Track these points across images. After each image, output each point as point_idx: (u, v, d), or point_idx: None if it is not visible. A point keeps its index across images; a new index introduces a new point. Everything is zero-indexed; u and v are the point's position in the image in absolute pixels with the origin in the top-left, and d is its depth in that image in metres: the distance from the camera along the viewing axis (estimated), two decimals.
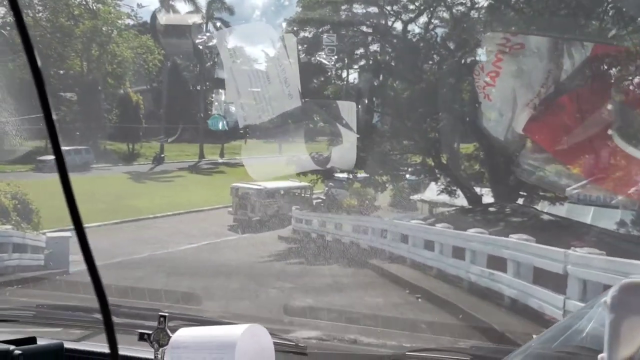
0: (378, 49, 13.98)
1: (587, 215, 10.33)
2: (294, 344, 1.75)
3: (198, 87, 24.95)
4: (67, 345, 1.51)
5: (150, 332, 1.42)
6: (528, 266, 7.39)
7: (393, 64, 13.96)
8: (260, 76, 2.94)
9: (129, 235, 13.14)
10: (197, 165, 21.68)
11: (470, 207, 13.05)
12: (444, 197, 13.96)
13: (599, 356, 0.89)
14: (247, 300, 6.60)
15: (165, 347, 1.40)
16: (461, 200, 13.48)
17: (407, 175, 14.61)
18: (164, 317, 1.41)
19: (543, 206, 12.02)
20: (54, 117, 0.49)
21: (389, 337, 2.14)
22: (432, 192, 14.36)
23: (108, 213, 14.33)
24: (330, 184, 16.16)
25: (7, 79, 23.20)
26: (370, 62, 14.21)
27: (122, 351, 1.52)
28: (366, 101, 14.47)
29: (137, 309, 1.98)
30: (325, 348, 1.90)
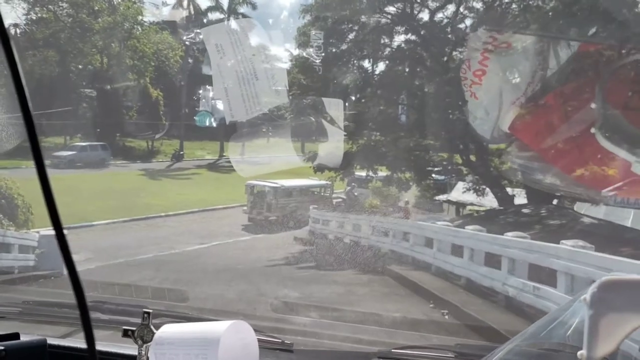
0: (403, 39, 13.93)
1: (627, 218, 9.64)
2: (280, 341, 1.80)
3: None
4: (51, 341, 1.57)
5: (135, 328, 1.46)
6: (586, 280, 6.03)
7: (418, 53, 13.85)
8: (248, 72, 3.01)
9: (137, 234, 13.21)
10: (216, 163, 22.01)
11: (502, 208, 12.71)
12: (472, 197, 13.60)
13: (578, 353, 0.92)
14: (243, 302, 6.50)
15: (149, 344, 1.44)
16: (490, 201, 13.16)
17: (433, 174, 14.39)
18: (148, 313, 1.46)
19: (579, 207, 11.35)
20: (32, 113, 0.53)
21: (376, 335, 2.20)
22: (459, 192, 14.03)
23: (118, 210, 14.62)
24: (353, 183, 16.12)
25: (25, 75, 24.02)
26: (395, 51, 14.07)
27: (106, 347, 1.58)
28: (389, 93, 14.44)
29: (123, 306, 2.06)
30: (311, 345, 1.95)
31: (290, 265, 10.08)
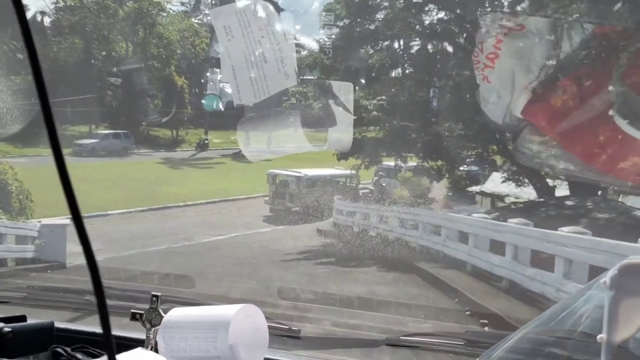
0: (435, 17, 13.56)
1: None
2: (287, 327, 1.84)
3: None
4: (58, 324, 1.63)
5: (143, 312, 1.50)
6: None
7: (452, 32, 13.50)
8: (257, 55, 3.05)
9: (152, 225, 13.31)
10: (242, 153, 22.20)
11: (542, 200, 12.41)
12: (508, 189, 13.24)
13: (598, 337, 0.95)
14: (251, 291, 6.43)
15: (157, 327, 1.48)
16: (528, 192, 12.84)
17: (466, 162, 14.11)
18: (157, 296, 1.50)
19: (626, 200, 10.89)
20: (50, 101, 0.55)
21: (384, 322, 2.23)
22: (494, 182, 13.70)
23: (135, 200, 14.91)
24: (380, 172, 15.98)
25: (51, 62, 24.91)
26: (426, 30, 13.63)
27: (114, 332, 1.62)
28: (419, 75, 14.07)
29: (130, 291, 2.12)
30: (319, 332, 1.99)
31: (309, 260, 9.84)
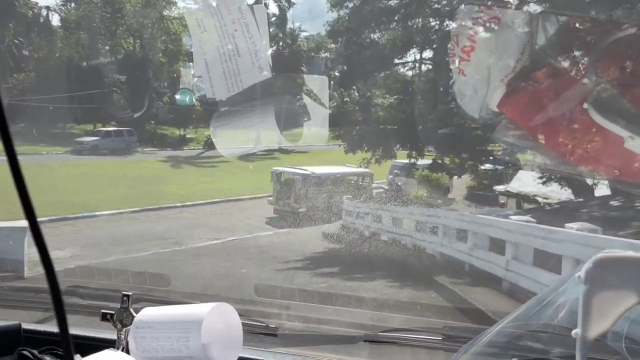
0: None
1: None
2: (264, 325, 1.90)
3: None
4: (26, 326, 1.68)
5: (114, 312, 1.54)
6: None
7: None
8: (230, 49, 3.14)
9: (143, 227, 13.07)
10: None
11: (581, 200, 12.11)
12: (537, 188, 12.91)
13: (573, 332, 1.00)
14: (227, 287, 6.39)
15: (128, 327, 1.52)
16: (558, 192, 12.62)
17: (487, 163, 13.75)
18: (127, 296, 1.54)
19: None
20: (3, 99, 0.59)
21: (363, 318, 2.29)
22: (521, 181, 13.44)
23: (130, 200, 14.86)
24: (396, 170, 15.82)
25: (56, 58, 25.36)
26: (445, 6, 12.76)
27: (85, 332, 1.69)
28: (437, 57, 13.12)
29: (103, 290, 2.19)
30: (297, 329, 2.05)
31: (307, 271, 9.19)
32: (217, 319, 1.40)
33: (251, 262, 9.50)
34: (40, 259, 0.68)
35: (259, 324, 1.92)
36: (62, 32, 27.68)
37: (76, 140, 23.49)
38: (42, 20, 29.40)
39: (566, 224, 7.11)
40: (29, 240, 7.52)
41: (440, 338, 1.91)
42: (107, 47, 26.53)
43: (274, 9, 28.88)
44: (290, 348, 1.81)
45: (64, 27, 28.10)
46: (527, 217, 9.18)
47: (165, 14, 25.59)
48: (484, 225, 9.07)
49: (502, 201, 14.42)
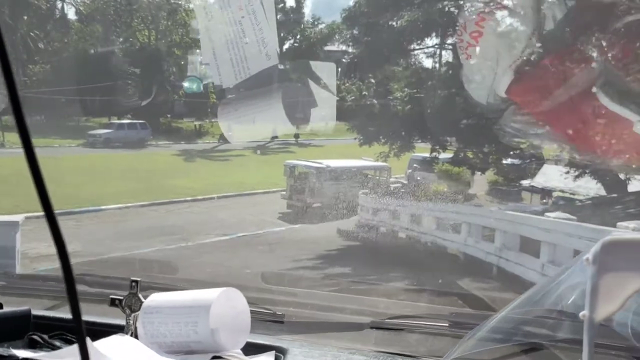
0: None
1: None
2: (271, 312, 1.95)
3: None
4: (35, 312, 1.75)
5: (122, 297, 1.60)
6: None
7: None
8: (237, 36, 3.20)
9: (149, 222, 13.03)
10: (266, 145, 22.58)
11: (615, 196, 11.95)
12: (564, 183, 12.76)
13: (580, 314, 1.01)
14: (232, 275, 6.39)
15: (137, 313, 1.58)
16: (588, 188, 12.45)
17: (509, 157, 13.55)
18: (136, 282, 1.60)
19: None
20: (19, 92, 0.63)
21: (370, 305, 2.33)
22: (548, 176, 13.26)
23: (138, 193, 14.90)
24: (415, 164, 15.72)
25: (67, 53, 25.81)
26: None
27: (94, 318, 1.75)
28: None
29: (111, 278, 2.26)
30: (303, 316, 2.10)
31: (318, 270, 8.99)
32: (226, 304, 1.46)
33: (259, 261, 9.42)
34: (57, 251, 0.71)
35: (266, 311, 1.98)
36: (76, 25, 28.11)
37: (89, 132, 24.02)
38: (56, 12, 29.91)
39: (618, 224, 6.80)
40: (21, 235, 7.46)
41: (447, 324, 1.95)
42: (121, 39, 26.88)
43: (291, 1, 29.17)
44: (297, 335, 1.84)
45: (78, 19, 28.57)
46: (566, 215, 8.81)
47: (181, 3, 25.80)
48: (515, 224, 8.71)
49: (527, 197, 14.26)
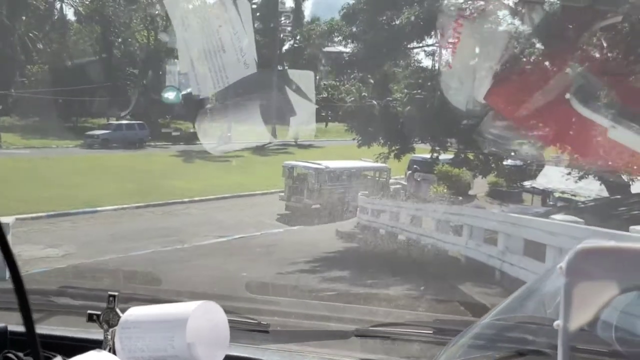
0: None
1: None
2: (256, 322, 1.95)
3: None
4: (12, 328, 1.73)
5: (100, 312, 1.59)
6: None
7: None
8: (215, 45, 3.21)
9: (145, 224, 12.99)
10: (265, 146, 22.58)
11: (618, 197, 11.80)
12: (566, 185, 12.63)
13: (554, 323, 1.01)
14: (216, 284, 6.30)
15: (114, 328, 1.56)
16: (589, 190, 12.36)
17: (509, 158, 13.39)
18: (114, 296, 1.60)
19: None
20: None
21: (354, 313, 2.36)
22: (549, 177, 13.20)
23: (135, 195, 14.87)
24: (415, 166, 15.66)
25: (56, 56, 25.89)
26: None
27: (73, 333, 1.74)
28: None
29: (95, 290, 2.25)
30: (288, 325, 2.11)
31: (314, 274, 8.88)
32: (203, 317, 1.44)
33: (255, 264, 9.33)
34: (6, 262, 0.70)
35: (251, 321, 1.98)
36: (75, 25, 28.20)
37: (87, 133, 24.05)
38: (55, 13, 30.02)
39: (631, 227, 6.57)
40: (12, 237, 7.57)
41: (431, 331, 1.97)
42: (119, 40, 26.96)
43: (290, 2, 29.21)
44: (282, 344, 1.86)
45: (77, 20, 28.68)
46: (572, 217, 8.24)
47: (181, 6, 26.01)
48: (519, 226, 8.46)
49: (528, 199, 14.20)
